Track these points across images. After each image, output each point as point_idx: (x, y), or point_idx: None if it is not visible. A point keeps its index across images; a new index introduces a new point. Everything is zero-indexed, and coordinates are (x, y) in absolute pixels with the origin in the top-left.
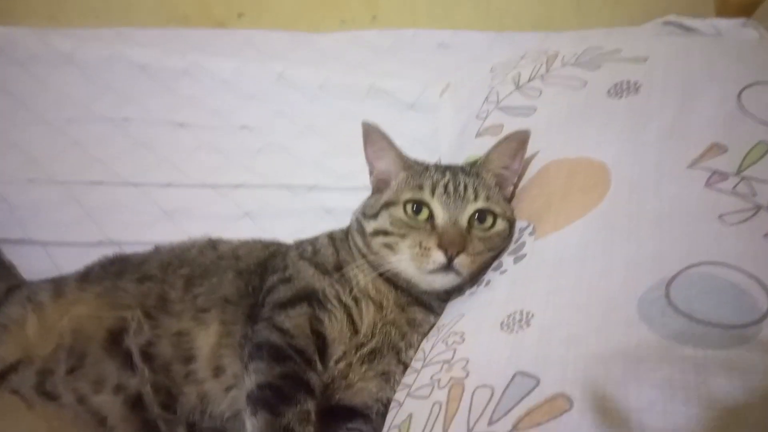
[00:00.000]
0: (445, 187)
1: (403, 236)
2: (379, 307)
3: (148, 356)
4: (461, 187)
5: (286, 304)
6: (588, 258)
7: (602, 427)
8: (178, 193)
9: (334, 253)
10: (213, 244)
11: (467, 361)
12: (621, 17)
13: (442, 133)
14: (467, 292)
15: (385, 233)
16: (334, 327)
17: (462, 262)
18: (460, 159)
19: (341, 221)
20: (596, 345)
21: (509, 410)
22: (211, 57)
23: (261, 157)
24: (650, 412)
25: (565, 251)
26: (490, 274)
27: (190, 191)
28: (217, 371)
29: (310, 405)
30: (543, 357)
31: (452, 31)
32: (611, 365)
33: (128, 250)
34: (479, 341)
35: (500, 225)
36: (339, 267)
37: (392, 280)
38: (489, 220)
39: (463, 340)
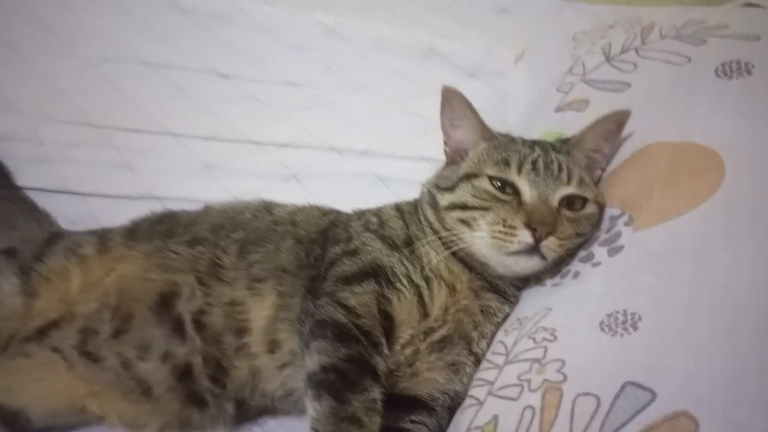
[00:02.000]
0: (534, 163)
1: (483, 211)
2: (452, 290)
3: (199, 325)
4: (554, 165)
5: (351, 279)
6: (707, 253)
7: None
8: (221, 147)
9: (403, 226)
10: (267, 207)
11: (563, 363)
12: None
13: (513, 102)
14: (548, 283)
15: (463, 207)
16: (403, 308)
17: (550, 244)
18: (534, 133)
19: (395, 192)
20: (723, 357)
21: (622, 426)
22: (256, 3)
23: (308, 114)
24: None
25: (676, 244)
26: (578, 265)
27: (234, 146)
28: (272, 346)
29: (377, 393)
30: (657, 366)
31: None
32: (744, 384)
33: (171, 206)
34: (576, 341)
35: (590, 208)
36: (409, 242)
37: (466, 261)
38: (578, 204)
39: (555, 338)
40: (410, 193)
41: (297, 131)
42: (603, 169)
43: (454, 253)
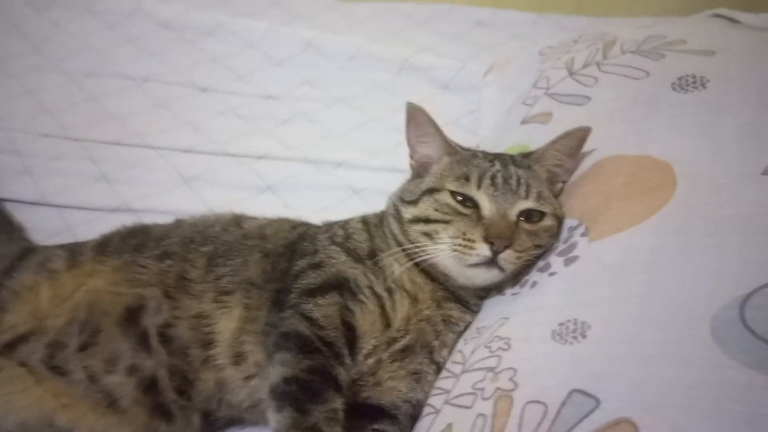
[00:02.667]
0: (493, 177)
1: (444, 225)
2: (414, 300)
3: (165, 338)
4: (512, 180)
5: (315, 292)
6: (659, 265)
7: None
8: (198, 160)
9: (367, 239)
10: (238, 221)
11: (515, 372)
12: (669, 7)
13: (484, 115)
14: (508, 293)
15: (426, 221)
16: (366, 319)
17: (507, 257)
18: (502, 146)
19: (370, 204)
20: (667, 367)
21: None
22: (237, 17)
23: (286, 127)
24: None
25: (629, 256)
26: (535, 275)
27: (211, 159)
28: (238, 359)
29: (339, 403)
30: (603, 374)
31: (491, 9)
32: (685, 391)
33: (146, 218)
34: (528, 350)
35: (548, 221)
36: (372, 254)
37: (429, 273)
38: (536, 217)
39: (509, 347)
40: (383, 204)
41: (274, 144)
42: (564, 182)
43: (417, 265)
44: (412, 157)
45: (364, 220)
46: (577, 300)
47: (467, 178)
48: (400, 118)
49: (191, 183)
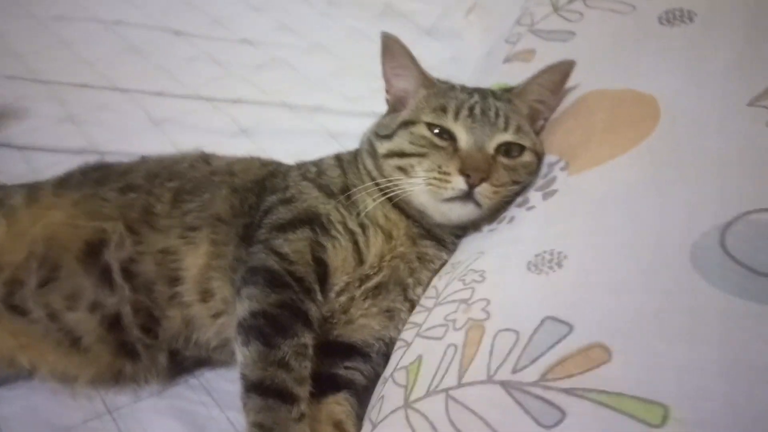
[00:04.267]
0: (471, 109)
1: (420, 158)
2: (388, 237)
3: (129, 274)
4: (491, 112)
5: (285, 227)
6: (638, 196)
7: (645, 383)
8: (170, 103)
9: (341, 174)
10: (206, 158)
11: (488, 302)
12: None
13: (468, 58)
14: (485, 229)
15: (401, 155)
16: (338, 255)
17: (484, 191)
18: (483, 85)
19: (346, 147)
20: (643, 293)
21: (537, 358)
22: None
23: (262, 72)
24: (703, 373)
25: (608, 188)
26: (513, 210)
27: (183, 102)
28: (205, 295)
29: (308, 338)
30: (578, 302)
31: None
32: (659, 316)
33: (113, 160)
34: (502, 281)
35: (527, 156)
36: (345, 190)
37: (403, 209)
38: (515, 151)
39: (483, 279)
40: None
41: (250, 88)
42: (546, 119)
43: (391, 200)
44: (387, 91)
45: (338, 157)
46: (555, 232)
47: (444, 110)
48: (380, 65)
49: (161, 126)
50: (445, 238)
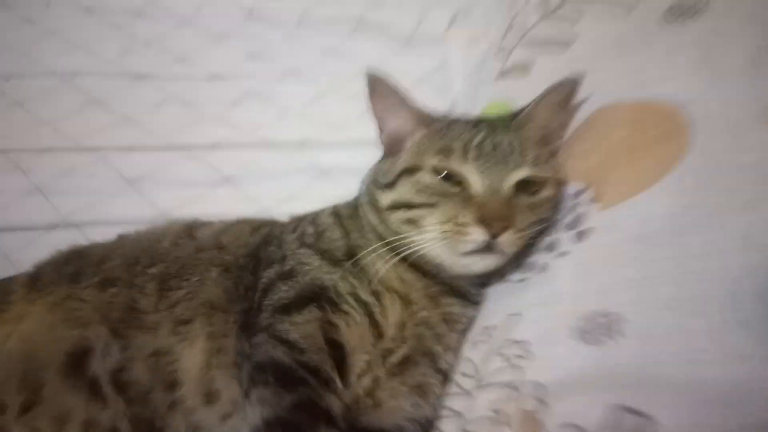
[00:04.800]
0: (480, 146)
1: (430, 209)
2: (407, 302)
3: (120, 384)
4: (504, 147)
5: (289, 308)
6: (686, 232)
7: None
8: (142, 158)
9: (342, 235)
10: (189, 231)
11: (539, 386)
12: None
13: (453, 72)
14: (514, 279)
15: (407, 206)
16: (354, 332)
17: (507, 240)
18: (477, 106)
19: (341, 184)
20: (725, 368)
21: None
22: None
23: (237, 109)
24: None
25: (650, 224)
26: (544, 256)
27: (157, 155)
28: (210, 398)
29: None
30: (651, 383)
31: None
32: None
33: (90, 232)
34: (551, 357)
35: (549, 190)
36: (351, 254)
37: (419, 267)
38: (535, 186)
39: (528, 353)
40: (355, 183)
41: (226, 130)
42: (560, 139)
43: (404, 259)
44: (381, 131)
45: (336, 213)
46: (600, 285)
47: (449, 151)
48: (360, 85)
49: (137, 185)
50: (468, 290)
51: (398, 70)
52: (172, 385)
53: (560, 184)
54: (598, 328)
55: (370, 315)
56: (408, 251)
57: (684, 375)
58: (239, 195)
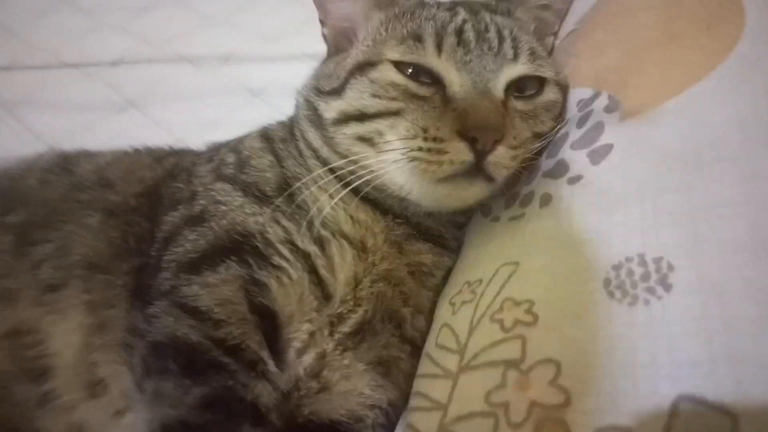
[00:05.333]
0: (460, 33)
1: (392, 119)
2: (361, 250)
3: None
4: (491, 34)
5: (199, 264)
6: (751, 143)
7: None
8: (22, 77)
9: (273, 163)
10: (65, 164)
11: (558, 368)
12: None
13: None
14: (504, 216)
15: (360, 117)
16: (289, 294)
17: (499, 158)
18: None
19: (278, 108)
20: None
21: None
22: None
23: (147, 17)
24: None
25: (698, 134)
26: (545, 184)
27: (42, 73)
28: (94, 389)
29: None
30: (725, 359)
31: None
32: None
33: None
34: (571, 322)
35: (550, 93)
36: (285, 187)
37: (376, 201)
38: (533, 88)
39: (536, 318)
40: None
41: (132, 41)
42: (555, 34)
43: (356, 192)
44: (323, 22)
45: (265, 135)
46: (632, 222)
47: (418, 39)
48: None
49: (15, 110)
50: (442, 233)
51: None
52: (41, 373)
53: (563, 88)
54: (635, 281)
55: (311, 270)
56: (362, 181)
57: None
58: (145, 121)
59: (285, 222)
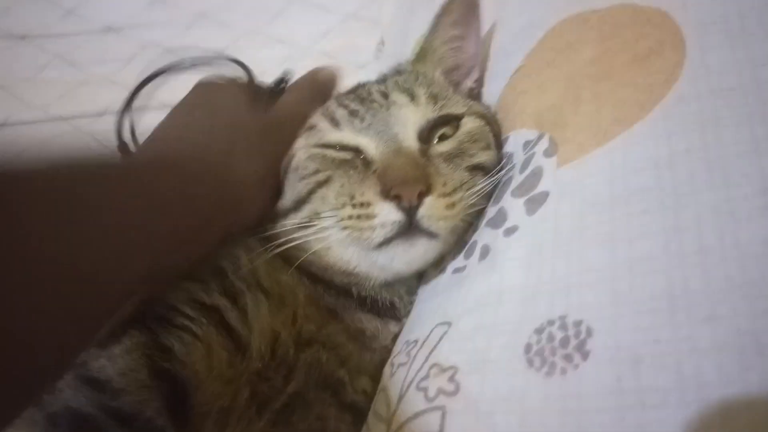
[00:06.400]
0: (345, 106)
1: (325, 186)
2: (280, 303)
3: None
4: (376, 95)
5: (106, 339)
6: (686, 191)
7: None
8: (17, 135)
9: None
10: None
11: None
12: None
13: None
14: (449, 268)
15: (297, 205)
16: (194, 352)
17: (432, 210)
18: (409, 40)
19: None
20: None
21: None
22: None
23: (134, 67)
24: None
25: (631, 182)
26: (486, 234)
27: (35, 128)
28: None
29: None
30: None
31: None
32: None
33: None
34: (489, 394)
35: (468, 124)
36: None
37: (309, 270)
38: (450, 128)
39: (458, 388)
40: None
41: (119, 92)
42: (480, 75)
43: (281, 257)
44: None
45: None
46: (559, 278)
47: (312, 127)
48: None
49: None
50: (395, 302)
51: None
52: None
53: (487, 119)
54: (554, 347)
55: (219, 322)
56: (290, 245)
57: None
58: None
59: (186, 283)
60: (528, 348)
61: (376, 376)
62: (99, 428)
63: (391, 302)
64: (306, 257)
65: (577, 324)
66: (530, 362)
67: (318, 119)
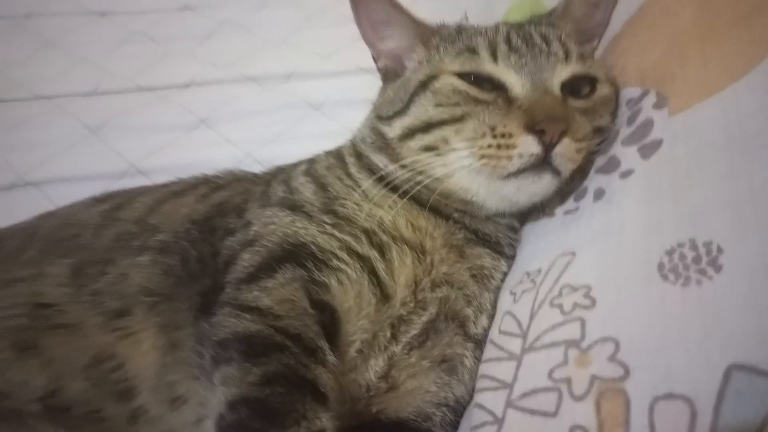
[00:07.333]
0: (509, 40)
1: (458, 124)
2: (420, 251)
3: (56, 411)
4: (537, 40)
5: (255, 275)
6: None
7: None
8: (105, 103)
9: (317, 190)
10: (111, 212)
11: (617, 345)
12: None
13: None
14: (559, 212)
15: (426, 127)
16: (348, 293)
17: (565, 151)
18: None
19: (336, 119)
20: None
21: None
22: None
23: (211, 42)
24: None
25: (744, 125)
26: (597, 179)
27: (122, 98)
28: (175, 403)
29: (324, 418)
30: None
31: None
32: None
33: (51, 191)
34: (627, 303)
35: (604, 89)
36: (329, 208)
37: (436, 208)
38: (586, 87)
39: (593, 301)
40: (353, 116)
41: (200, 66)
42: (599, 38)
43: (417, 200)
44: (376, 59)
45: (311, 172)
46: (683, 209)
47: (473, 51)
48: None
49: (99, 133)
50: (499, 238)
51: None
52: (126, 394)
53: (614, 85)
54: (686, 263)
55: (371, 271)
56: (425, 188)
57: None
58: (217, 138)
59: (337, 233)
60: (661, 266)
61: (491, 317)
62: (269, 342)
63: (495, 238)
64: (430, 186)
65: (708, 244)
66: (665, 277)
67: (482, 46)
